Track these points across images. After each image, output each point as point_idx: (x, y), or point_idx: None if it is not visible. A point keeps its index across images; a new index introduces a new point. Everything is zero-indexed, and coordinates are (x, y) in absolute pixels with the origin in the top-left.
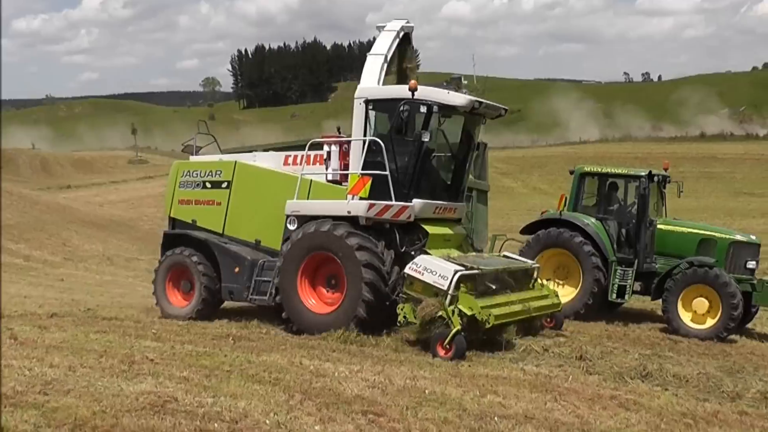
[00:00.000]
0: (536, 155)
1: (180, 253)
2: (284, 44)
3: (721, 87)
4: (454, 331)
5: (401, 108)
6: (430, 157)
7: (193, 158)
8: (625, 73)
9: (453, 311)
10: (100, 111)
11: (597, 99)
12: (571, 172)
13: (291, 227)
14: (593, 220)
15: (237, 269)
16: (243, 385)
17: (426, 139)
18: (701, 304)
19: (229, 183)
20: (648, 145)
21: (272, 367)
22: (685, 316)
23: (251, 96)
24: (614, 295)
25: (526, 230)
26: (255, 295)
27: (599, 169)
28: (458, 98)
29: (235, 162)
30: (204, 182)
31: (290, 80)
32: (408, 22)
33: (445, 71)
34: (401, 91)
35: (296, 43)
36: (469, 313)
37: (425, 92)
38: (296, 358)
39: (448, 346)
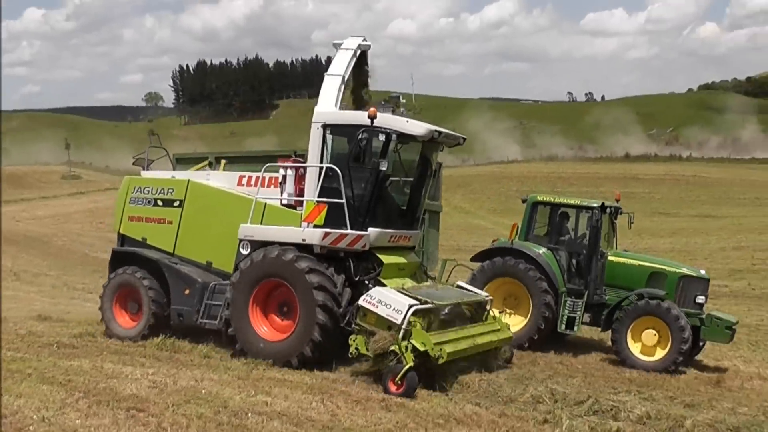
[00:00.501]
0: (462, 174)
1: (129, 273)
2: (226, 60)
3: (656, 108)
4: (406, 367)
5: (360, 136)
6: (386, 185)
7: (145, 173)
8: (568, 93)
9: (406, 347)
10: (37, 124)
11: (529, 118)
12: (524, 201)
13: (244, 251)
14: (544, 250)
15: (187, 291)
16: (33, 386)
17: (383, 168)
18: (650, 336)
19: (182, 202)
20: (573, 165)
21: (72, 370)
22: (635, 348)
23: (192, 112)
24: (563, 326)
25: (477, 258)
26: (205, 319)
27: (552, 199)
28: (418, 128)
29: (188, 181)
30: (155, 200)
31: (231, 97)
32: (365, 40)
33: (391, 89)
34: (360, 117)
35: (238, 59)
36: (422, 348)
37: (384, 120)
38: (102, 363)
39: (399, 382)
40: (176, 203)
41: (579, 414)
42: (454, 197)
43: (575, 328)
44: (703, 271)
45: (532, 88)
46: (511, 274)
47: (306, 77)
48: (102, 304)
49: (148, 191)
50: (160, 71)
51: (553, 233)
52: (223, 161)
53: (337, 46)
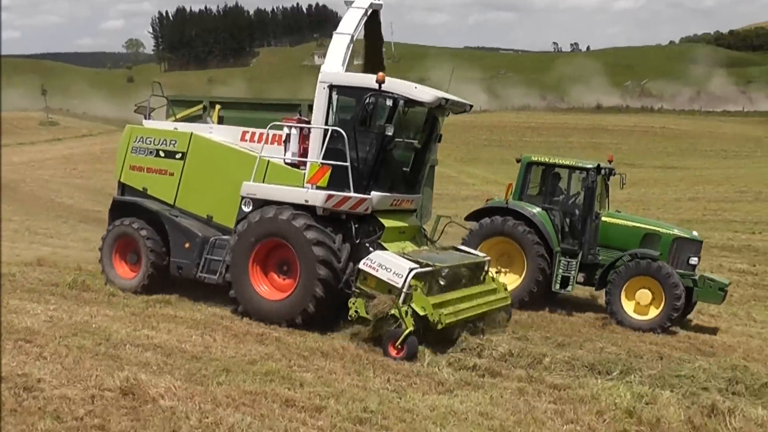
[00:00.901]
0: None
1: (128, 224)
2: (206, 7)
3: (636, 60)
4: (406, 332)
5: (367, 100)
6: (391, 149)
7: (147, 123)
8: (554, 43)
9: (406, 312)
10: (17, 71)
11: (508, 68)
12: (518, 161)
13: (246, 209)
14: (539, 209)
15: (187, 245)
16: None
17: (389, 133)
18: (644, 295)
19: (184, 154)
20: (543, 115)
21: None
22: (628, 307)
23: (172, 59)
24: (557, 286)
25: (471, 217)
26: (204, 273)
27: (546, 159)
28: (425, 94)
29: (191, 134)
30: (157, 150)
31: (212, 44)
32: None
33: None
34: (368, 80)
35: (218, 6)
36: (421, 313)
37: (392, 85)
38: (9, 300)
39: (399, 347)
40: (178, 155)
41: (447, 351)
42: None
43: (569, 288)
44: (695, 233)
45: (518, 39)
46: (506, 234)
47: (287, 26)
48: (101, 254)
49: (151, 141)
50: (141, 17)
51: (547, 193)
52: (217, 106)
53: (348, 4)
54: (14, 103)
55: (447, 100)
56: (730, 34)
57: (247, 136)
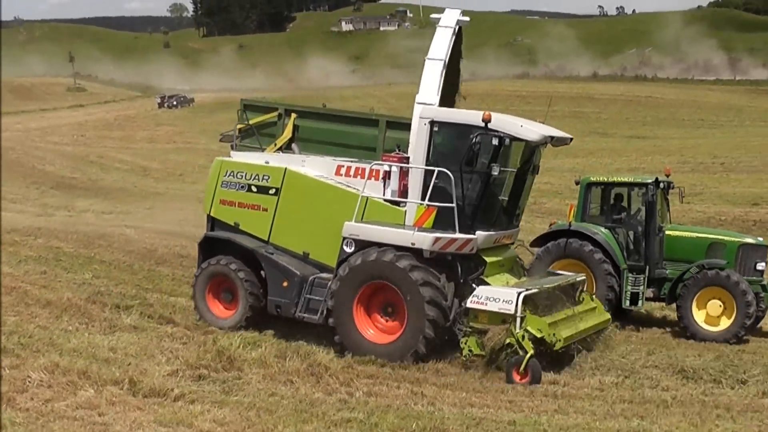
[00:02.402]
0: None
1: (225, 264)
2: None
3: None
4: (528, 356)
5: (473, 139)
6: (495, 189)
7: (235, 155)
8: (599, 6)
9: (523, 336)
10: (60, 35)
11: (530, 34)
12: (577, 183)
13: (348, 249)
14: (602, 229)
15: (285, 283)
16: None
17: (495, 173)
18: (715, 306)
19: (278, 190)
20: (537, 83)
21: None
22: (700, 319)
23: (210, 24)
24: (627, 302)
25: (536, 242)
26: (304, 313)
27: (605, 179)
28: (532, 133)
29: (285, 169)
30: (249, 185)
31: (248, 9)
32: (462, 14)
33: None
34: (473, 118)
35: None
36: (538, 335)
37: (498, 123)
38: None
39: (524, 372)
40: (272, 191)
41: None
42: (409, 113)
43: (639, 303)
44: (761, 239)
45: (556, 2)
46: (573, 256)
47: None
48: (194, 291)
49: (242, 176)
50: None
51: (609, 212)
52: (293, 114)
53: (435, 22)
54: (45, 69)
55: (552, 137)
56: None
57: (342, 170)
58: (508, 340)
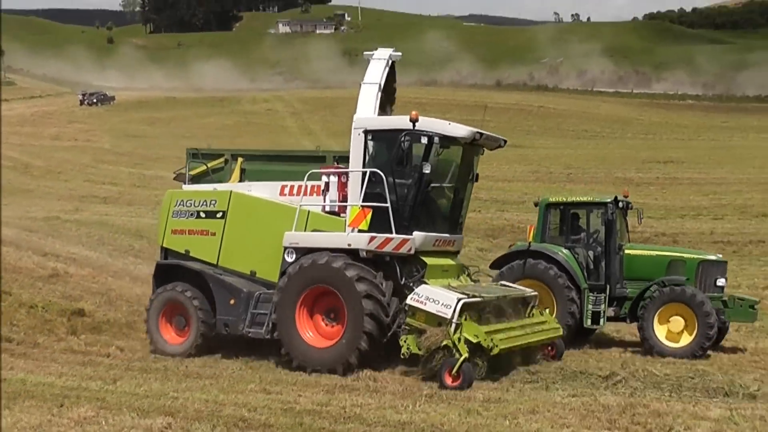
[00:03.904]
0: (338, 96)
1: (177, 290)
2: None
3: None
4: (461, 359)
5: (402, 139)
6: (430, 189)
7: (186, 187)
8: (555, 13)
9: (459, 339)
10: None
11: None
12: (536, 204)
13: (289, 259)
14: (563, 249)
15: (233, 301)
16: None
17: (427, 171)
18: (677, 322)
19: (224, 213)
20: (447, 91)
21: None
22: (662, 336)
23: (157, 20)
24: (589, 321)
25: (495, 264)
26: (251, 328)
27: (564, 199)
28: (459, 130)
29: (231, 192)
30: (198, 212)
31: (195, 7)
32: (395, 50)
33: (337, 4)
34: (402, 122)
35: None
36: (474, 340)
37: (426, 123)
38: None
39: (456, 374)
40: (219, 214)
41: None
42: (312, 118)
43: (601, 322)
44: (720, 255)
45: (517, 6)
46: (533, 276)
47: None
48: (147, 319)
49: (191, 204)
50: None
51: (569, 232)
52: (239, 159)
53: (369, 57)
54: None
55: (482, 134)
56: (693, 12)
57: (286, 190)
58: (444, 342)
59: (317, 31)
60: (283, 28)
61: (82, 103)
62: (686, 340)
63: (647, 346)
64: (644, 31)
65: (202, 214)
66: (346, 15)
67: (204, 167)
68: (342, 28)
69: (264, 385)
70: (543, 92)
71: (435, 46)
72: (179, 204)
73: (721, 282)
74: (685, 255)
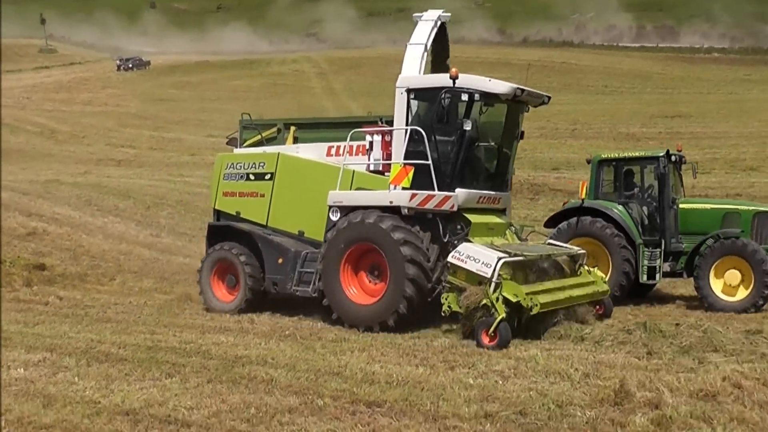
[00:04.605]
0: (364, 56)
1: (227, 249)
2: None
3: None
4: (498, 318)
5: (442, 96)
6: (472, 146)
7: (237, 151)
8: None
9: (497, 298)
10: None
11: None
12: (588, 161)
13: (333, 218)
14: (616, 205)
15: (281, 260)
16: None
17: (467, 128)
18: (733, 276)
19: (272, 175)
20: (475, 49)
21: None
22: (718, 290)
23: None
24: (645, 277)
25: (549, 222)
26: (298, 286)
27: (616, 155)
28: (500, 86)
29: (278, 154)
30: (247, 174)
31: None
32: (444, 12)
33: None
34: (442, 79)
35: None
36: (513, 300)
37: (466, 80)
38: None
39: (492, 334)
40: (267, 176)
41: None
42: (337, 78)
43: (657, 277)
44: None
45: None
46: (587, 233)
47: None
48: (200, 278)
49: (241, 167)
50: None
51: (622, 188)
52: (292, 128)
53: (417, 18)
54: (21, 30)
55: (523, 90)
56: None
57: (333, 151)
58: (483, 301)
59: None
60: None
61: (119, 68)
62: (743, 293)
63: (704, 302)
64: None
65: (252, 177)
66: None
67: (259, 137)
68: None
69: (156, 328)
70: (567, 48)
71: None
72: (230, 167)
73: None
74: (740, 207)
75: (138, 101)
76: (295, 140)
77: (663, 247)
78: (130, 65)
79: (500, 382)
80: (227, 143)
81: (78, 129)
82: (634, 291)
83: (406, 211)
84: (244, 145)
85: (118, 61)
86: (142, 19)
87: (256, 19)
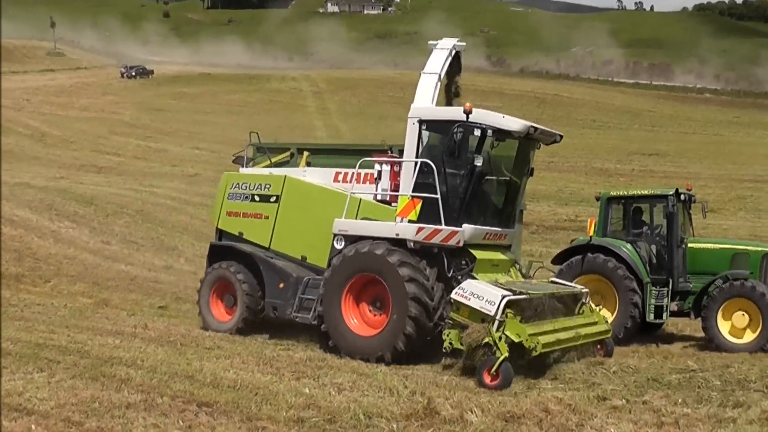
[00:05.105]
0: (362, 77)
1: (224, 267)
2: None
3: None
4: (501, 358)
5: (455, 130)
6: (482, 182)
7: (243, 170)
8: (618, 0)
9: (500, 338)
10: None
11: (504, 27)
12: (597, 198)
13: (338, 246)
14: (624, 243)
15: (281, 285)
16: None
17: (478, 164)
18: (741, 318)
19: (278, 197)
20: (471, 77)
21: None
22: (725, 331)
23: None
24: (652, 316)
25: (557, 259)
26: (298, 313)
27: (625, 193)
28: (514, 123)
29: (285, 176)
30: (253, 195)
31: None
32: (459, 41)
33: None
34: (456, 113)
35: None
36: (516, 340)
37: (480, 115)
38: None
39: (494, 374)
40: (273, 199)
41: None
42: (332, 98)
43: (664, 317)
44: None
45: None
46: (595, 271)
47: None
48: (199, 297)
49: (246, 187)
50: None
51: (630, 226)
52: (305, 153)
53: (432, 46)
54: (31, 32)
55: (536, 129)
56: (743, 4)
57: (340, 177)
58: (485, 340)
59: (365, 12)
60: (332, 8)
61: (122, 75)
62: (750, 336)
63: (711, 343)
64: (689, 22)
65: (257, 198)
66: None
67: (268, 161)
68: (390, 9)
69: (58, 328)
70: (563, 81)
71: (472, 30)
72: (235, 187)
73: None
74: (749, 248)
75: (134, 109)
76: (308, 165)
77: (671, 286)
78: (133, 73)
79: (333, 393)
80: (233, 161)
81: (69, 134)
82: (641, 329)
83: (411, 244)
84: (262, 166)
85: (122, 69)
86: (142, 28)
87: (264, 34)
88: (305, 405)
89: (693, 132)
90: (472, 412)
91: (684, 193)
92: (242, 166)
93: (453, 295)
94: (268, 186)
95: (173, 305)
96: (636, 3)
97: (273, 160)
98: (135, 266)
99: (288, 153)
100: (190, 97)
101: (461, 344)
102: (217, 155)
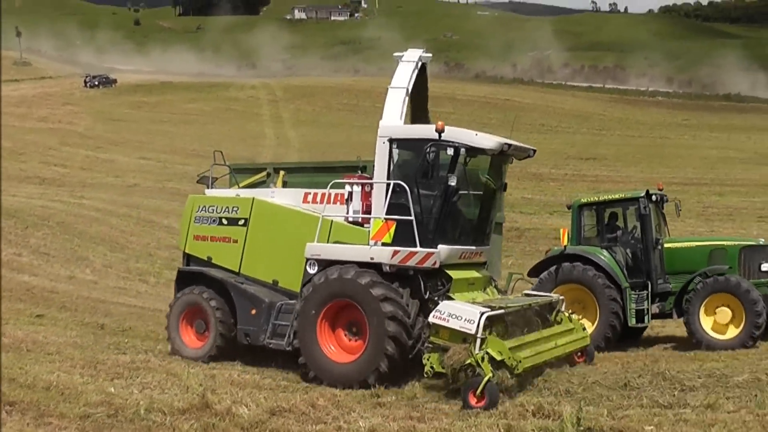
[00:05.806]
0: (318, 84)
1: (196, 293)
2: None
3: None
4: (485, 379)
5: (427, 149)
6: (456, 201)
7: (209, 192)
8: (592, 2)
9: (482, 357)
10: (40, 7)
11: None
12: (569, 207)
13: (311, 270)
14: (599, 249)
15: (254, 311)
16: None
17: (452, 183)
18: (724, 314)
19: (246, 220)
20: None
21: None
22: (708, 328)
23: (186, 3)
24: (634, 320)
25: (533, 271)
26: (272, 339)
27: (596, 198)
28: (487, 141)
29: (253, 199)
30: (220, 218)
31: None
32: (425, 52)
33: None
34: (427, 131)
35: None
36: (498, 357)
37: (452, 133)
38: None
39: (480, 395)
40: (241, 222)
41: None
42: (287, 106)
43: (646, 320)
44: (762, 240)
45: None
46: (573, 280)
47: None
48: (168, 323)
49: (213, 210)
50: None
51: (604, 231)
52: (281, 172)
53: (398, 59)
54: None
55: (510, 146)
56: (709, 6)
57: (310, 198)
58: (467, 361)
59: (332, 18)
60: (299, 14)
61: (86, 84)
62: (734, 331)
63: (695, 341)
64: (653, 24)
65: (224, 221)
66: (362, 1)
67: (250, 180)
68: (357, 15)
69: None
70: (516, 85)
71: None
72: (201, 210)
73: (766, 267)
74: (726, 243)
75: (90, 119)
76: (284, 184)
77: (650, 288)
78: (96, 82)
79: (134, 392)
80: (198, 182)
81: (19, 146)
82: (625, 335)
83: (387, 268)
84: (241, 186)
85: (85, 78)
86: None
87: (230, 42)
88: (100, 402)
89: (639, 135)
90: (246, 406)
91: (655, 194)
92: (207, 187)
93: (431, 319)
94: (236, 209)
95: (53, 314)
96: (610, 5)
97: (250, 180)
98: (38, 277)
99: (264, 173)
100: (149, 107)
101: (442, 367)
102: (162, 165)
